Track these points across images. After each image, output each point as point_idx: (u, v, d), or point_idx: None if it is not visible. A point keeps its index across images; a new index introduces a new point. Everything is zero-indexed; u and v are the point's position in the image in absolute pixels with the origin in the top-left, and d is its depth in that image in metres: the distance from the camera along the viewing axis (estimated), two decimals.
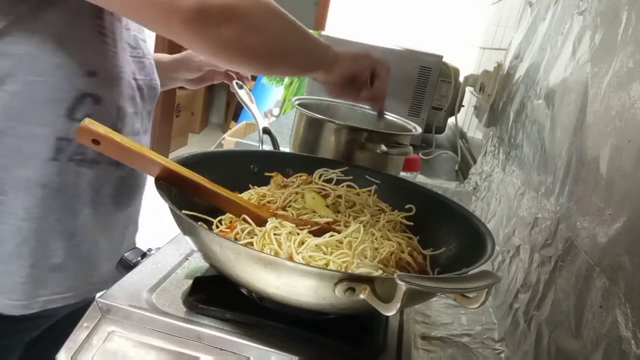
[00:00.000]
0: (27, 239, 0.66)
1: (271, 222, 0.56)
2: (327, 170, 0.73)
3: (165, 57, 0.97)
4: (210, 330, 0.48)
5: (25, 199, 0.64)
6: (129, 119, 0.73)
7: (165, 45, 3.23)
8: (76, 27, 0.62)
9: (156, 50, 3.30)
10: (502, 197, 0.98)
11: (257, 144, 0.97)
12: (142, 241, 0.89)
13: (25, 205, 0.64)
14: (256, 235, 0.55)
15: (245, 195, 0.65)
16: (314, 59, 0.70)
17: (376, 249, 0.56)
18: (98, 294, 0.52)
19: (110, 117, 0.69)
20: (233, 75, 1.00)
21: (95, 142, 0.51)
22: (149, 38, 0.81)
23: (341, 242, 0.55)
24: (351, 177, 0.73)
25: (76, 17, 0.62)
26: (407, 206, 0.66)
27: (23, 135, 0.62)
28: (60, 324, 0.73)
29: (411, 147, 0.88)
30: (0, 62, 0.60)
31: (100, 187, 0.71)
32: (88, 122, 0.50)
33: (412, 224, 0.65)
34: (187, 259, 0.61)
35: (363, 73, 0.76)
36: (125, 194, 0.77)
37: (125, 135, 0.71)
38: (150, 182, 0.84)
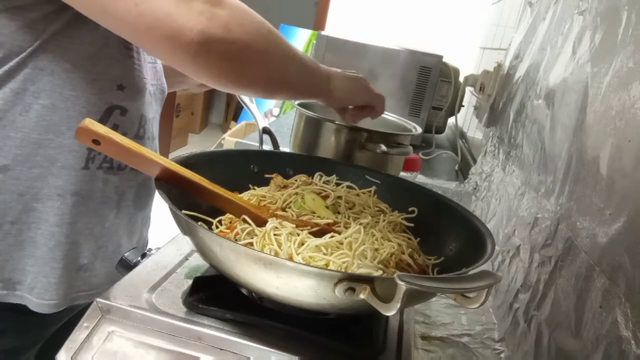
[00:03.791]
0: (60, 243, 0.68)
1: (271, 223, 0.56)
2: (321, 175, 0.73)
3: None
4: (210, 330, 0.48)
5: (58, 206, 0.67)
6: (149, 124, 0.76)
7: None
8: (106, 44, 0.65)
9: None
10: (502, 197, 0.98)
11: (257, 144, 0.97)
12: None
13: (57, 212, 0.67)
14: (256, 235, 0.55)
15: (244, 196, 0.65)
16: (312, 85, 0.71)
17: (376, 249, 0.56)
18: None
19: (134, 126, 0.72)
20: None
21: (96, 142, 0.51)
22: None
23: (341, 243, 0.55)
24: (351, 178, 0.73)
25: (105, 34, 0.64)
26: (410, 209, 0.66)
27: (58, 146, 0.65)
28: (74, 322, 0.75)
29: (411, 147, 0.88)
30: (36, 77, 0.62)
31: (124, 191, 0.74)
32: (88, 122, 0.50)
33: (412, 225, 0.65)
34: (187, 259, 0.61)
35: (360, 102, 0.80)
36: (144, 196, 0.80)
37: (146, 140, 0.75)
38: (156, 196, 0.86)
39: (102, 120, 0.67)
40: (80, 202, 0.68)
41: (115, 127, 0.69)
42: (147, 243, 0.91)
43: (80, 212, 0.69)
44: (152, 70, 0.77)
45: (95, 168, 0.69)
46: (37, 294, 0.69)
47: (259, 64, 0.60)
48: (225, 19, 0.54)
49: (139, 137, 0.74)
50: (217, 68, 0.57)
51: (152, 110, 0.78)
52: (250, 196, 0.65)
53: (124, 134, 0.68)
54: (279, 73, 0.64)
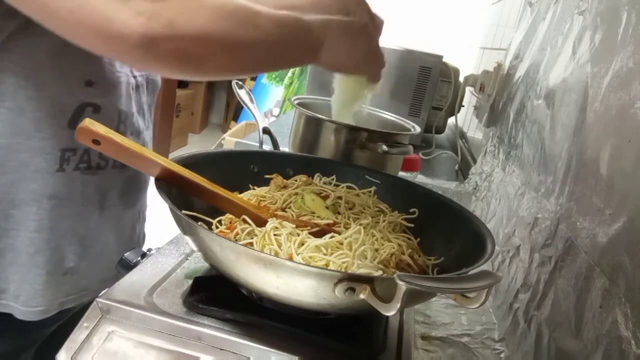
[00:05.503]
0: (41, 249, 0.67)
1: (271, 223, 0.56)
2: (320, 176, 0.73)
3: None
4: (210, 330, 0.48)
5: (35, 211, 0.65)
6: (131, 119, 0.73)
7: None
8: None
9: None
10: (502, 197, 0.98)
11: (257, 144, 0.97)
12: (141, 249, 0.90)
13: (35, 218, 0.65)
14: (256, 235, 0.55)
15: (244, 196, 0.65)
16: (293, 58, 0.62)
17: (376, 250, 0.56)
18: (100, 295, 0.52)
19: (112, 122, 0.69)
20: None
21: (96, 142, 0.51)
22: None
23: (341, 243, 0.55)
24: (350, 178, 0.73)
25: None
26: (411, 210, 0.66)
27: (29, 149, 0.63)
28: (73, 322, 0.75)
29: (411, 147, 0.88)
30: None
31: (107, 191, 0.72)
32: (88, 123, 0.50)
33: (412, 225, 0.65)
34: (187, 259, 0.61)
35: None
36: (132, 193, 0.78)
37: (128, 135, 0.72)
38: (151, 181, 0.86)
39: (74, 120, 0.64)
40: (58, 205, 0.66)
41: None
42: (144, 238, 0.90)
43: (60, 216, 0.67)
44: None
45: (71, 170, 0.66)
46: (23, 302, 0.67)
47: (219, 54, 0.53)
48: (168, 15, 0.48)
49: (120, 132, 0.69)
50: (169, 66, 0.52)
51: (137, 104, 0.74)
52: (250, 196, 0.65)
53: None
54: (248, 57, 0.56)
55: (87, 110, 0.65)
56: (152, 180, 0.84)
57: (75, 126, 0.64)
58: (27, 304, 0.67)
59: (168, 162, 0.55)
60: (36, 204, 0.65)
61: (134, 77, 0.73)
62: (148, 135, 0.80)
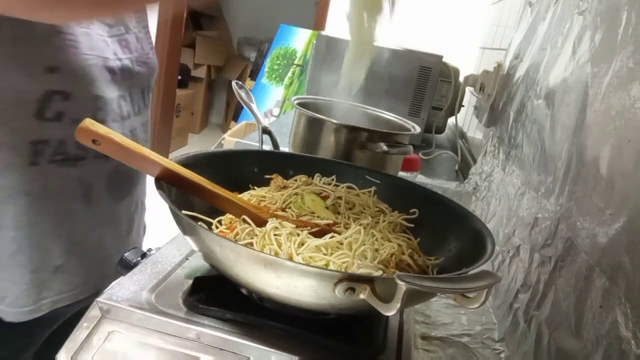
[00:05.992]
0: (22, 247, 0.64)
1: (271, 223, 0.56)
2: (320, 176, 0.73)
3: None
4: (210, 330, 0.48)
5: (11, 208, 0.63)
6: (112, 105, 0.69)
7: (167, 23, 3.21)
8: (27, 23, 0.57)
9: (158, 28, 3.27)
10: (502, 197, 0.98)
11: (257, 144, 0.97)
12: (142, 241, 0.89)
13: (12, 215, 0.63)
14: (256, 235, 0.55)
15: (244, 196, 0.65)
16: None
17: (376, 250, 0.56)
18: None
19: (86, 109, 0.65)
20: None
21: (96, 142, 0.51)
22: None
23: (341, 243, 0.55)
24: (351, 178, 0.73)
25: None
26: (412, 210, 0.66)
27: None
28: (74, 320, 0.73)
29: (411, 147, 0.88)
30: None
31: (91, 183, 0.69)
32: (88, 123, 0.50)
33: (412, 225, 0.65)
34: (187, 259, 0.61)
35: None
36: (123, 183, 0.75)
37: (109, 121, 0.68)
38: (150, 180, 0.84)
39: (42, 110, 0.61)
40: (36, 200, 0.63)
41: (60, 115, 0.63)
42: (144, 229, 0.87)
43: (40, 212, 0.64)
44: (119, 43, 0.70)
45: (45, 163, 0.63)
46: (9, 303, 0.65)
47: None
48: None
49: (99, 120, 0.65)
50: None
51: (120, 88, 0.70)
52: (250, 196, 0.65)
53: (75, 120, 0.63)
54: None
55: (54, 98, 0.62)
56: (149, 179, 0.83)
57: (44, 116, 0.62)
58: (13, 304, 0.65)
59: (168, 162, 0.55)
60: (11, 201, 0.62)
61: (119, 59, 0.70)
62: (139, 120, 0.76)
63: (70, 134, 0.62)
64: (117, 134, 0.51)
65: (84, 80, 0.64)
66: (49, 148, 0.63)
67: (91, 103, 0.66)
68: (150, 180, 0.57)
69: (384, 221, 0.63)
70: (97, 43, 0.66)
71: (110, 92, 0.69)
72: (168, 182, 0.55)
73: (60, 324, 0.77)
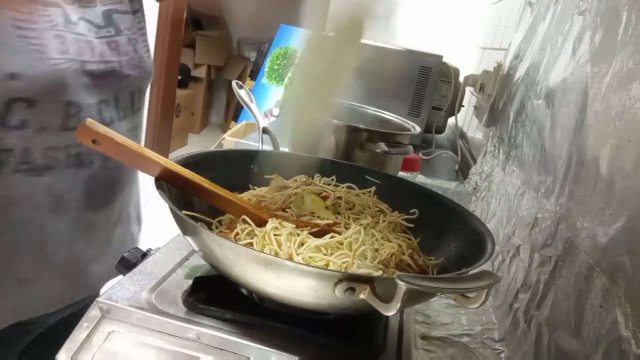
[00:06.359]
0: None
1: (271, 223, 0.56)
2: (320, 177, 0.73)
3: None
4: (210, 330, 0.48)
5: None
6: (90, 110, 0.66)
7: (167, 23, 3.20)
8: None
9: (158, 28, 3.25)
10: (502, 197, 0.98)
11: (257, 144, 0.97)
12: (142, 241, 0.89)
13: None
14: (256, 235, 0.55)
15: (244, 196, 0.65)
16: None
17: (377, 250, 0.56)
18: (100, 295, 0.52)
19: (56, 116, 0.63)
20: None
21: (96, 142, 0.51)
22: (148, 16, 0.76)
23: (341, 244, 0.55)
24: (350, 178, 0.73)
25: None
26: (412, 210, 0.66)
27: None
28: (54, 330, 0.72)
29: (411, 147, 0.88)
30: None
31: (62, 193, 0.66)
32: (88, 122, 0.50)
33: (412, 225, 0.65)
34: (187, 259, 0.61)
35: None
36: (99, 192, 0.71)
37: None
38: (135, 176, 0.82)
39: (4, 117, 0.58)
40: (1, 211, 0.61)
41: (24, 123, 0.60)
42: (133, 239, 0.84)
43: (5, 222, 0.62)
44: (107, 44, 0.67)
45: (10, 172, 0.60)
46: None
47: None
48: None
49: (69, 129, 0.63)
50: None
51: (100, 93, 0.67)
52: (250, 196, 0.65)
53: (42, 128, 0.61)
54: None
55: (18, 105, 0.59)
56: (135, 175, 0.81)
57: (7, 124, 0.60)
58: None
59: (168, 162, 0.55)
60: None
61: (105, 62, 0.67)
62: (125, 125, 0.73)
63: (36, 143, 0.62)
64: (117, 134, 0.51)
65: (51, 86, 0.61)
66: (13, 157, 0.61)
67: (61, 109, 0.63)
68: (152, 191, 0.55)
69: (384, 221, 0.63)
70: (72, 46, 0.63)
71: (88, 97, 0.66)
72: (168, 182, 0.55)
73: (39, 334, 0.75)
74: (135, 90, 0.75)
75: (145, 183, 0.81)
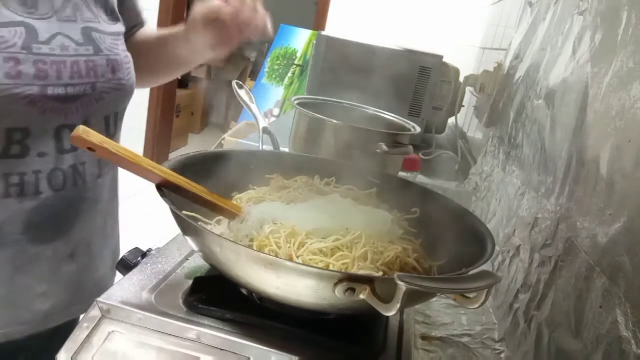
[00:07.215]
0: None
1: (269, 226, 0.56)
2: (319, 178, 0.73)
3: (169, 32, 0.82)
4: (210, 330, 0.48)
5: None
6: (45, 137, 0.63)
7: (167, 24, 3.20)
8: None
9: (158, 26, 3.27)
10: (502, 197, 0.98)
11: (257, 144, 0.97)
12: (142, 241, 0.89)
13: None
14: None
15: (244, 197, 0.65)
16: None
17: (381, 252, 0.56)
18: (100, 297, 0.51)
19: (7, 140, 0.59)
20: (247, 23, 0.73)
21: (91, 149, 0.50)
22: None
23: (342, 246, 0.55)
24: (351, 178, 0.73)
25: None
26: (412, 210, 0.66)
27: None
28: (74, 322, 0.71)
29: (411, 147, 0.88)
30: None
31: (1, 224, 0.63)
32: (82, 131, 0.49)
33: (415, 231, 0.65)
34: (187, 259, 0.61)
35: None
36: (47, 225, 0.67)
37: (37, 155, 0.62)
38: (98, 208, 0.75)
39: None
40: None
41: None
42: (105, 274, 0.79)
43: None
44: (79, 65, 0.64)
45: None
46: None
47: None
48: None
49: (11, 157, 0.60)
50: None
51: (71, 117, 0.64)
52: (250, 196, 0.65)
53: None
54: None
55: None
56: (101, 203, 0.75)
57: None
58: None
59: (164, 172, 0.54)
60: None
61: (74, 85, 0.64)
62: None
63: None
64: (111, 143, 0.51)
65: (7, 111, 0.58)
66: None
67: (2, 136, 0.60)
68: (152, 191, 0.54)
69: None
70: (31, 69, 0.59)
71: (44, 123, 0.62)
72: (167, 189, 0.55)
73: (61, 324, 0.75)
74: (111, 113, 0.71)
75: (146, 184, 0.81)
